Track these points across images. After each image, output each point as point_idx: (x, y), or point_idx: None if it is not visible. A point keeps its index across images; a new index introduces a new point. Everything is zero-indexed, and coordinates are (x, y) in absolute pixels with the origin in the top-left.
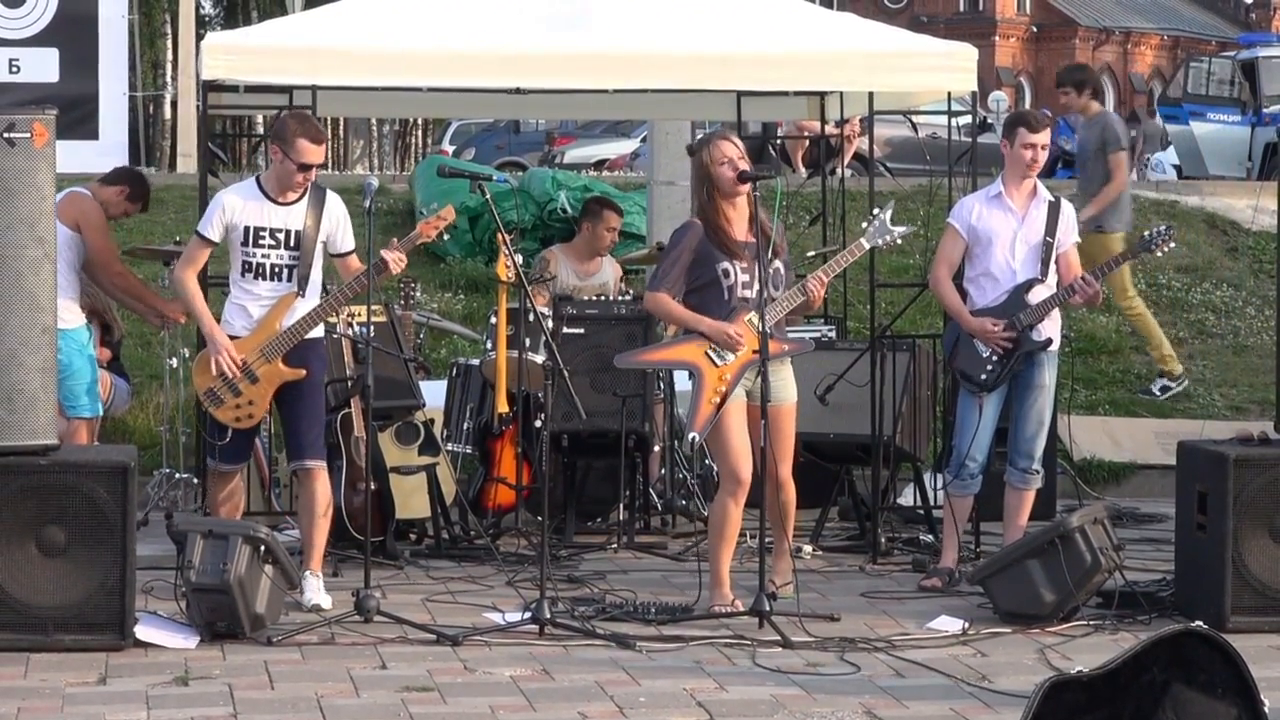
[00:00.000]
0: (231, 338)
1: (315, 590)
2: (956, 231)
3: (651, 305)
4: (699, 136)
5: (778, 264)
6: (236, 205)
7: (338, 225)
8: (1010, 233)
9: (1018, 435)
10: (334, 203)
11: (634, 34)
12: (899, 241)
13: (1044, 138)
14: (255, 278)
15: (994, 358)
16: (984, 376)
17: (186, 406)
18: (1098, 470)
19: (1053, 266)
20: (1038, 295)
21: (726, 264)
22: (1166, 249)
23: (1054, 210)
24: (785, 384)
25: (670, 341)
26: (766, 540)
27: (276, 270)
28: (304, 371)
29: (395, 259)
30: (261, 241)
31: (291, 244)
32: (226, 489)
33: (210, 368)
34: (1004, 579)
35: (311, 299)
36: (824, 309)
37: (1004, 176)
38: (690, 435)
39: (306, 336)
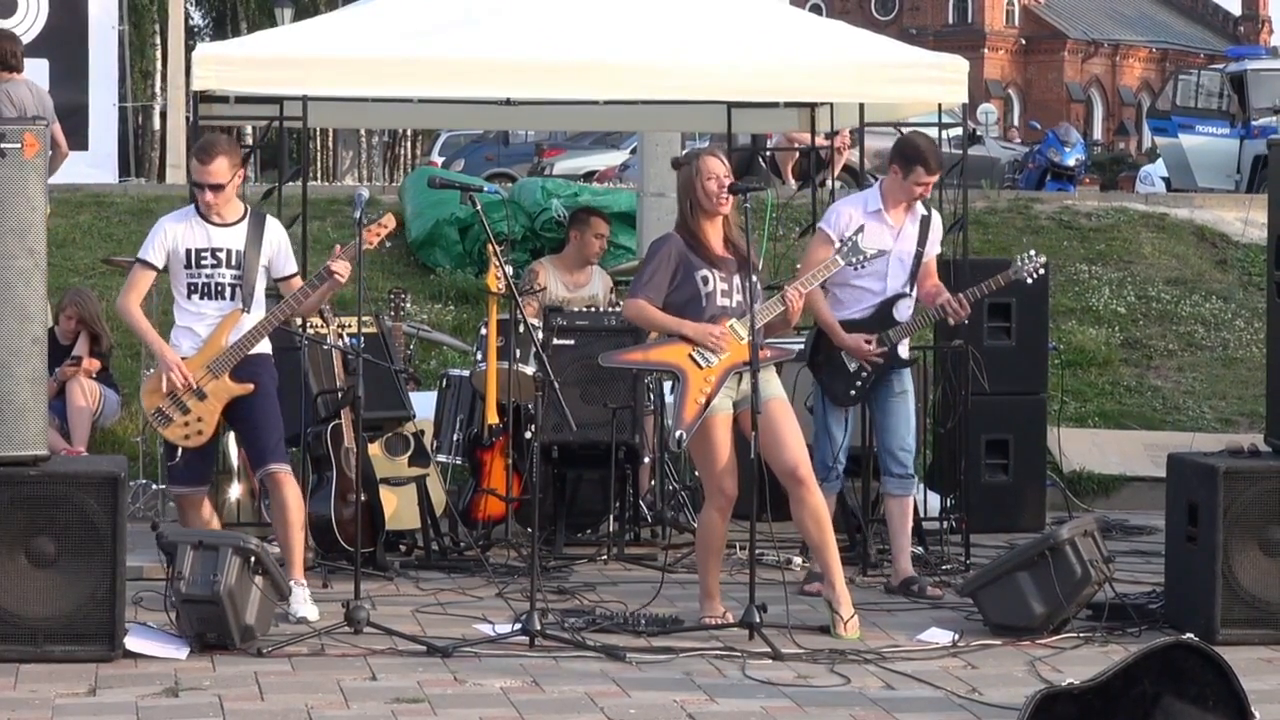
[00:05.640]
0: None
1: (301, 601)
2: (829, 239)
3: (631, 312)
4: (687, 149)
5: (755, 277)
6: (177, 230)
7: (277, 249)
8: (887, 249)
9: (890, 442)
10: (273, 227)
11: (624, 45)
12: (865, 265)
13: (936, 178)
14: (201, 298)
15: (863, 373)
16: (853, 393)
17: None
18: (1087, 482)
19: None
20: (902, 310)
21: (706, 271)
22: (1037, 275)
23: (925, 223)
24: (770, 383)
25: (654, 343)
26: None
27: (220, 289)
28: (252, 386)
29: (342, 268)
30: (204, 262)
31: (234, 263)
32: (194, 516)
33: (158, 388)
34: (994, 591)
35: (256, 316)
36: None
37: (884, 193)
38: (677, 434)
39: (255, 352)
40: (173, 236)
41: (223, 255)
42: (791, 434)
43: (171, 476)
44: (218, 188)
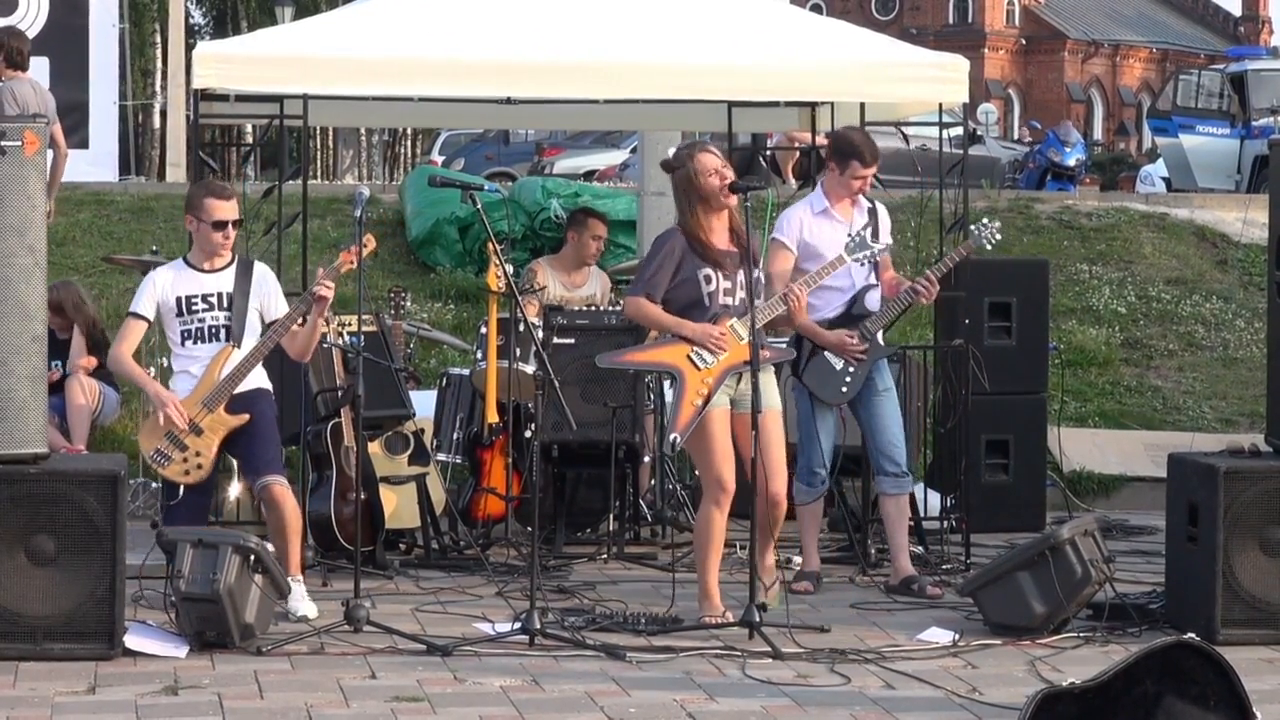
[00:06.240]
0: None
1: (299, 598)
2: (785, 247)
3: (632, 309)
4: (671, 152)
5: (757, 273)
6: (166, 280)
7: (267, 291)
8: (840, 245)
9: (880, 441)
10: (262, 271)
11: (625, 44)
12: (876, 259)
13: (873, 171)
14: (195, 342)
15: (850, 369)
16: (844, 390)
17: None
18: (1087, 482)
19: None
20: (872, 300)
21: (708, 270)
22: (995, 241)
23: (873, 215)
24: (768, 390)
25: (653, 344)
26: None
27: (214, 331)
28: (248, 416)
29: (326, 289)
30: (195, 307)
31: (225, 305)
32: None
33: (156, 428)
34: (994, 591)
35: (248, 349)
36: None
37: (826, 191)
38: (672, 437)
39: (253, 387)
40: (162, 287)
41: (213, 299)
42: (778, 455)
43: (171, 517)
44: (239, 223)
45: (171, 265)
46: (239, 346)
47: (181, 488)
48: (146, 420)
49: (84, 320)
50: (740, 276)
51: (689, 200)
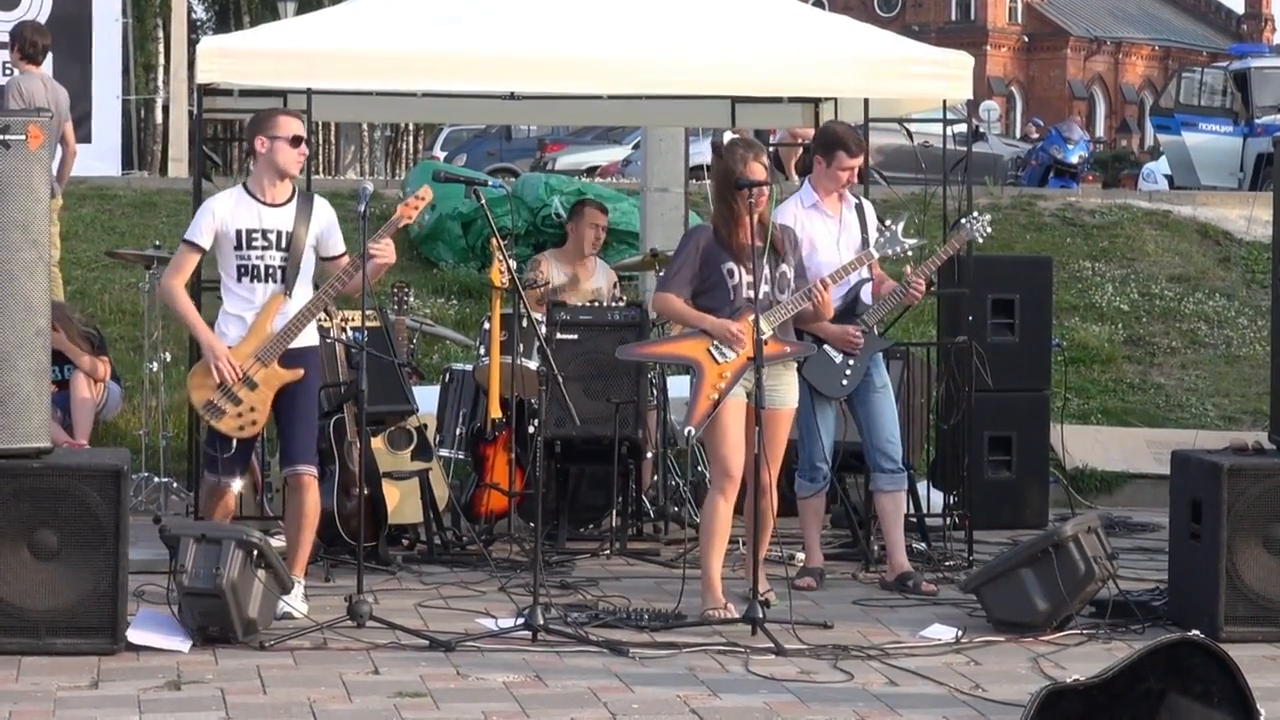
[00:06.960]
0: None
1: (296, 597)
2: None
3: (659, 305)
4: (728, 136)
5: (785, 268)
6: (226, 210)
7: (326, 227)
8: (832, 239)
9: (876, 438)
10: (322, 206)
11: (628, 40)
12: (909, 253)
13: (859, 161)
14: (251, 281)
15: (850, 362)
16: (845, 382)
17: (170, 410)
18: (1090, 479)
19: None
20: (866, 294)
21: (732, 264)
22: (985, 234)
23: (860, 211)
24: (788, 388)
25: (675, 336)
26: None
27: (271, 272)
28: (301, 371)
29: (383, 248)
30: (255, 244)
31: (282, 245)
32: (223, 503)
33: (208, 379)
34: (997, 587)
35: (300, 301)
36: None
37: (815, 186)
38: (687, 430)
39: (301, 345)
40: (221, 217)
41: (273, 237)
42: (774, 451)
43: (221, 467)
44: (309, 140)
45: (230, 192)
46: (290, 294)
47: (235, 441)
48: (196, 368)
49: (73, 335)
50: (766, 271)
51: (721, 193)
